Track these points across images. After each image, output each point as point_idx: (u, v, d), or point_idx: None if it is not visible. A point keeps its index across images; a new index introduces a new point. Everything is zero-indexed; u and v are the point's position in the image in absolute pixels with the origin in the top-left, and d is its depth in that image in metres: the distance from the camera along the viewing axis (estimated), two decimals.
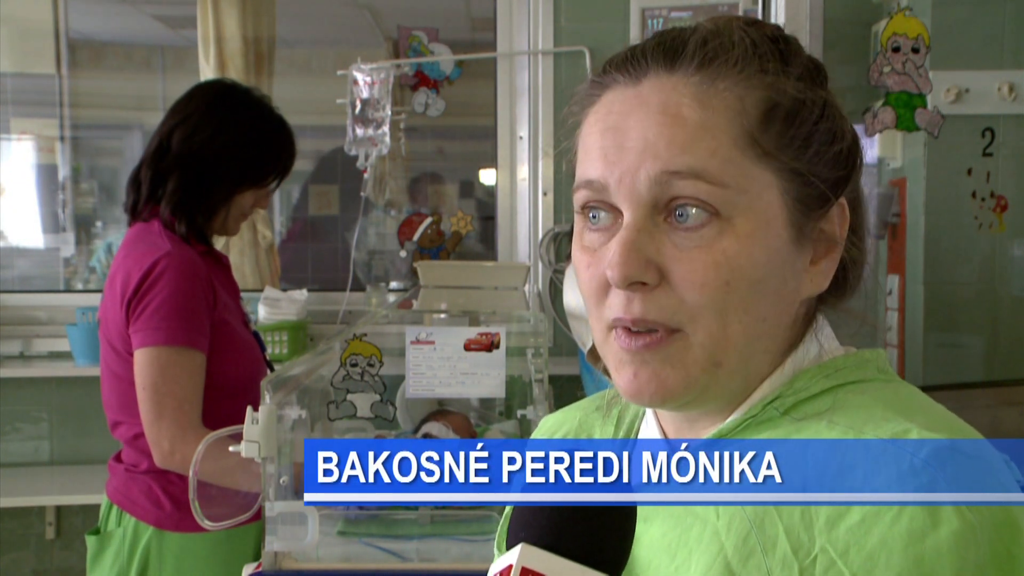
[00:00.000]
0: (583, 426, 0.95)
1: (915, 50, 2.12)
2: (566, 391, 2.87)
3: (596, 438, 0.92)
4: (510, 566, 0.66)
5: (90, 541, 2.11)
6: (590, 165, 0.76)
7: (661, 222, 0.74)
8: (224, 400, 2.05)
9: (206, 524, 1.72)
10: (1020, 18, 2.76)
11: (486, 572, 0.69)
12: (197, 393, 1.99)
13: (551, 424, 0.99)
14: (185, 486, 2.00)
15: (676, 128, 0.73)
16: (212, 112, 2.07)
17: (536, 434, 1.00)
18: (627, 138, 0.74)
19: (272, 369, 2.26)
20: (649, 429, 0.86)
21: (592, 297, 0.77)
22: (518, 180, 3.41)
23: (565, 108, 0.83)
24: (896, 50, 2.12)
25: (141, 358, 1.97)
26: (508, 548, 0.69)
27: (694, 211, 0.72)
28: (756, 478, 0.73)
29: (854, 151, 0.79)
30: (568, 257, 2.70)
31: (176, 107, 2.10)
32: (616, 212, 0.75)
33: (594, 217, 0.77)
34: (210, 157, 2.05)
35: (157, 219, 2.06)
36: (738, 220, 0.73)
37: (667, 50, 0.76)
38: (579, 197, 0.78)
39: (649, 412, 0.87)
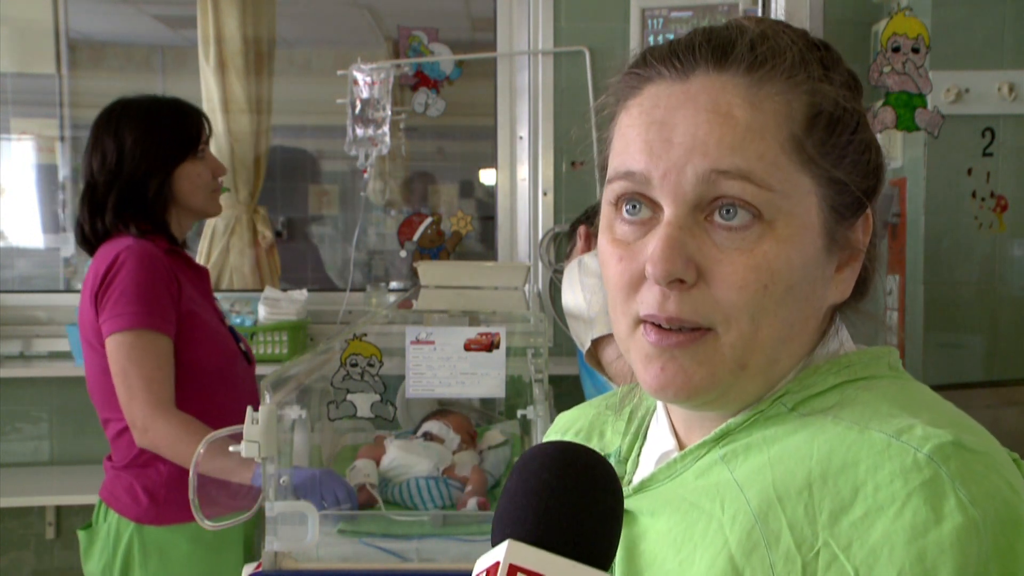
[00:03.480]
0: (595, 423, 0.95)
1: (915, 50, 2.12)
2: (566, 391, 2.87)
3: (608, 435, 0.92)
4: (497, 563, 0.65)
5: (81, 536, 2.20)
6: (630, 157, 0.75)
7: (702, 220, 0.74)
8: (193, 390, 2.09)
9: (206, 524, 1.72)
10: (1020, 18, 2.76)
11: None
12: (165, 373, 2.03)
13: (564, 421, 0.99)
14: (163, 480, 2.08)
15: (726, 127, 0.72)
16: (108, 128, 2.16)
17: (550, 431, 1.00)
18: (675, 133, 0.73)
19: (250, 360, 2.30)
20: (660, 425, 0.86)
21: (622, 291, 0.77)
22: (518, 180, 3.41)
23: (599, 98, 0.82)
24: (896, 50, 2.12)
25: (109, 346, 2.04)
26: (494, 545, 0.68)
27: (739, 212, 0.72)
28: (760, 472, 0.73)
29: (880, 163, 0.79)
30: (568, 257, 2.70)
31: (85, 148, 2.19)
32: (655, 206, 0.75)
33: (633, 209, 0.76)
34: (128, 164, 2.13)
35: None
36: (779, 224, 0.73)
37: (716, 49, 0.75)
38: (615, 188, 0.77)
39: (660, 408, 0.87)
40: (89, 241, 2.17)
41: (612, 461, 0.88)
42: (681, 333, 0.74)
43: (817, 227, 0.75)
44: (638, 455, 0.88)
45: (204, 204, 2.23)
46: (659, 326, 0.74)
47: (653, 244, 0.73)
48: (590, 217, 2.61)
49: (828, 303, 0.78)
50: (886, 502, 0.66)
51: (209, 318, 2.19)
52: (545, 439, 0.99)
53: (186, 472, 2.01)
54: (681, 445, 0.83)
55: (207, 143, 2.23)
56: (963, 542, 0.64)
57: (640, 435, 0.89)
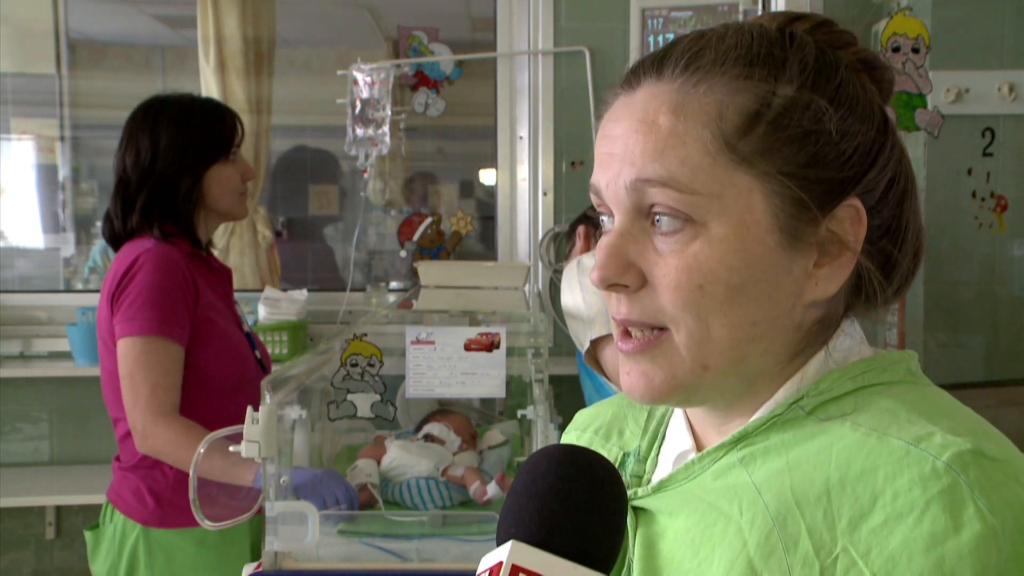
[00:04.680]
0: (615, 420, 0.95)
1: (915, 50, 2.12)
2: (566, 391, 2.87)
3: (627, 433, 0.93)
4: (500, 563, 0.66)
5: (88, 536, 2.18)
6: (594, 172, 0.80)
7: (648, 227, 0.76)
8: (205, 396, 2.09)
9: (206, 524, 1.72)
10: (1020, 18, 2.76)
11: None
12: (172, 380, 2.03)
13: (584, 418, 1.00)
14: (169, 484, 2.08)
15: (650, 136, 0.75)
16: (144, 125, 2.16)
17: (570, 428, 1.01)
18: (614, 145, 0.77)
19: (265, 369, 2.29)
20: (678, 424, 0.87)
21: (605, 298, 0.81)
22: (518, 180, 3.41)
23: (592, 107, 0.86)
24: (896, 50, 2.12)
25: (120, 349, 2.04)
26: (499, 544, 0.68)
27: (666, 218, 0.74)
28: (779, 476, 0.73)
29: (870, 151, 0.77)
30: (567, 257, 2.70)
31: (119, 143, 2.19)
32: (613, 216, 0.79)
33: (605, 220, 0.80)
34: (162, 163, 2.13)
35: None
36: (712, 225, 0.74)
37: (658, 58, 0.78)
38: (593, 201, 0.82)
39: (678, 409, 0.88)
40: (117, 237, 2.17)
41: (631, 460, 0.89)
42: (640, 337, 0.77)
43: (764, 224, 0.74)
44: (657, 454, 0.88)
45: (231, 207, 2.23)
46: (625, 332, 0.78)
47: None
48: (589, 217, 2.62)
49: (805, 300, 0.77)
50: (905, 510, 0.66)
51: (226, 324, 2.18)
52: (564, 436, 1.00)
53: None
54: (699, 445, 0.84)
55: (239, 145, 2.24)
56: (982, 550, 0.64)
57: (659, 434, 0.90)
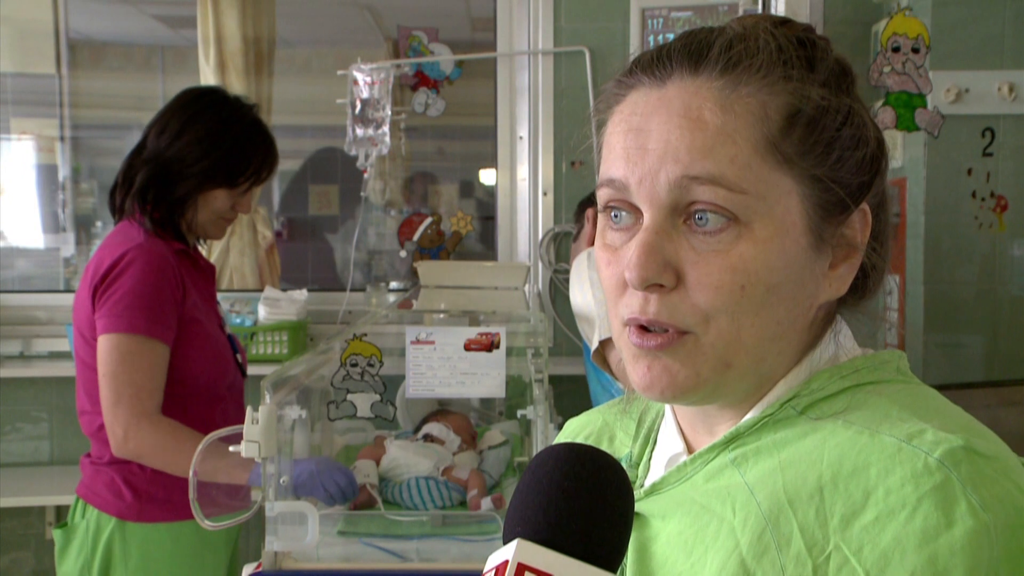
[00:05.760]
0: (606, 427, 0.95)
1: (915, 50, 2.12)
2: (566, 391, 2.87)
3: (618, 439, 0.93)
4: (506, 562, 0.65)
5: (56, 535, 2.12)
6: (612, 164, 0.77)
7: (680, 224, 0.74)
8: (185, 397, 2.05)
9: (206, 524, 1.72)
10: (1020, 18, 2.76)
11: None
12: (156, 382, 1.98)
13: (575, 427, 0.99)
14: (146, 476, 2.03)
15: (697, 132, 0.73)
16: (184, 113, 2.10)
17: (559, 437, 1.00)
18: (649, 139, 0.74)
19: (244, 373, 2.25)
20: (668, 428, 0.87)
21: (611, 293, 0.78)
22: (518, 180, 3.41)
23: (592, 104, 0.83)
24: (896, 50, 2.12)
25: (103, 345, 1.98)
26: (505, 543, 0.68)
27: (712, 216, 0.73)
28: (771, 476, 0.73)
29: (878, 157, 0.78)
30: (575, 239, 2.70)
31: (160, 111, 2.14)
32: (637, 212, 0.76)
33: (616, 216, 0.78)
34: (174, 153, 2.07)
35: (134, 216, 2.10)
36: (756, 225, 0.73)
37: (692, 52, 0.76)
38: (602, 195, 0.79)
39: (668, 411, 0.87)
40: (116, 208, 2.12)
41: (623, 466, 0.88)
42: (663, 334, 0.75)
43: (800, 226, 0.74)
44: (649, 459, 0.88)
45: (208, 228, 2.16)
46: (642, 327, 0.76)
47: (631, 250, 0.74)
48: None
49: (820, 301, 0.78)
50: (897, 506, 0.66)
51: (211, 327, 2.14)
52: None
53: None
54: (689, 448, 0.83)
55: (254, 185, 2.16)
56: (974, 546, 0.64)
57: (651, 439, 0.89)
